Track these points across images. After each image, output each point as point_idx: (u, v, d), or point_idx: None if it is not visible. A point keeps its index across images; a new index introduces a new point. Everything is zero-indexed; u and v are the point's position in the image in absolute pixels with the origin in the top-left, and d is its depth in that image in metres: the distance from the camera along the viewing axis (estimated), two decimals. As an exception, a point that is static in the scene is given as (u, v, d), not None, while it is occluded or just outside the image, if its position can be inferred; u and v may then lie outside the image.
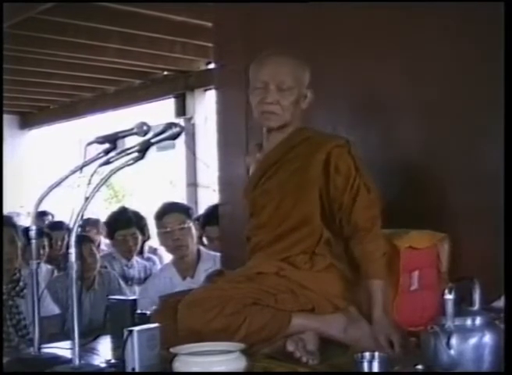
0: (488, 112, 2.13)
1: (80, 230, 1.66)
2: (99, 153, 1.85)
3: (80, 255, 1.66)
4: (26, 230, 2.17)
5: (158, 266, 3.69)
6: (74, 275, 1.64)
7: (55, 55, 5.30)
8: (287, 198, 1.95)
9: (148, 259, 3.90)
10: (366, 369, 1.41)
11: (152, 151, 1.76)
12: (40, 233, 2.68)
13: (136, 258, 3.74)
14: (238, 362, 1.51)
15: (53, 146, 8.39)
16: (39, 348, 1.90)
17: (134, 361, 1.63)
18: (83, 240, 2.93)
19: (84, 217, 1.70)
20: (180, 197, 6.40)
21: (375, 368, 1.41)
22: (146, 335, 1.66)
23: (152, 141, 1.73)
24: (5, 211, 3.97)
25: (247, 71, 2.87)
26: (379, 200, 1.94)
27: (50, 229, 4.20)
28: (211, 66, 5.19)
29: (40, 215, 5.02)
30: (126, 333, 1.65)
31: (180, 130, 1.74)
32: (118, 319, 2.17)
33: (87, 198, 1.66)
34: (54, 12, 4.15)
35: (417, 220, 2.15)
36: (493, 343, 1.41)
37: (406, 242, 2.05)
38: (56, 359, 1.81)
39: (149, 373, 1.65)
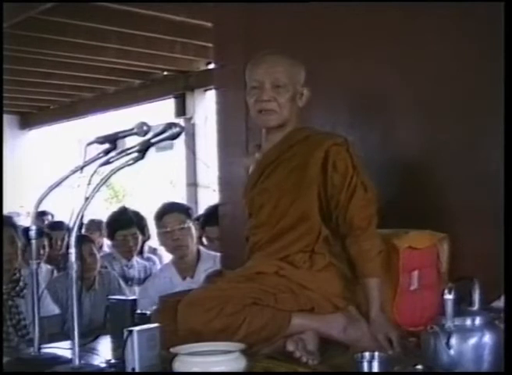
0: (488, 112, 2.13)
1: (82, 230, 1.66)
2: (99, 153, 1.85)
3: (79, 256, 1.66)
4: (26, 230, 2.17)
5: (158, 266, 3.69)
6: (74, 275, 1.64)
7: (55, 55, 5.30)
8: (285, 196, 1.96)
9: (148, 259, 3.90)
10: (366, 369, 1.41)
11: (152, 151, 1.76)
12: (40, 233, 2.67)
13: (136, 259, 3.74)
14: (238, 363, 1.51)
15: (53, 146, 8.38)
16: (39, 348, 1.90)
17: (134, 361, 1.63)
18: (83, 240, 2.93)
19: (85, 218, 1.71)
20: (180, 197, 6.40)
21: (375, 368, 1.41)
22: (146, 335, 1.66)
23: (152, 141, 1.73)
24: (5, 211, 3.97)
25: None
26: (376, 199, 1.94)
27: (50, 229, 4.19)
28: (211, 66, 5.19)
29: (40, 215, 5.02)
30: (126, 333, 1.65)
31: (180, 130, 1.74)
32: (118, 319, 2.17)
33: (87, 198, 1.66)
34: (54, 12, 4.15)
35: (417, 220, 2.15)
36: (493, 343, 1.41)
37: (405, 242, 2.05)
38: (56, 359, 1.81)
39: (149, 373, 1.65)
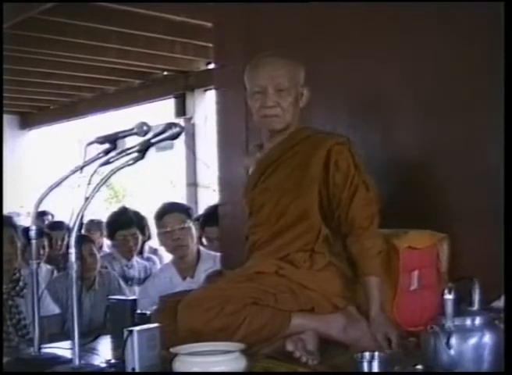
0: (488, 112, 2.13)
1: (82, 231, 1.66)
2: (99, 153, 1.85)
3: (80, 255, 1.66)
4: (26, 230, 2.17)
5: (158, 266, 3.69)
6: (74, 275, 1.64)
7: (55, 55, 5.30)
8: (286, 195, 1.96)
9: (148, 259, 3.90)
10: (366, 369, 1.41)
11: (152, 151, 1.76)
12: (40, 233, 2.67)
13: (136, 259, 3.74)
14: (238, 363, 1.51)
15: (53, 146, 8.38)
16: (39, 348, 1.90)
17: (134, 361, 1.63)
18: (83, 240, 2.93)
19: (85, 218, 1.71)
20: (180, 197, 6.40)
21: (375, 368, 1.41)
22: (146, 335, 1.66)
23: (152, 141, 1.73)
24: (5, 211, 3.96)
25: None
26: (378, 198, 1.95)
27: (50, 229, 4.20)
28: (211, 66, 5.19)
29: (40, 215, 5.02)
30: (126, 333, 1.65)
31: (180, 130, 1.74)
32: (118, 319, 2.17)
33: (87, 198, 1.66)
34: (54, 12, 4.15)
35: (417, 220, 2.15)
36: (493, 343, 1.41)
37: (405, 242, 2.05)
38: (56, 359, 1.82)
39: (149, 373, 1.65)
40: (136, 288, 3.49)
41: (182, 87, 6.09)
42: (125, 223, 3.71)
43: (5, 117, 7.01)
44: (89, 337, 2.06)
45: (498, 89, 1.81)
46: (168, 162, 8.24)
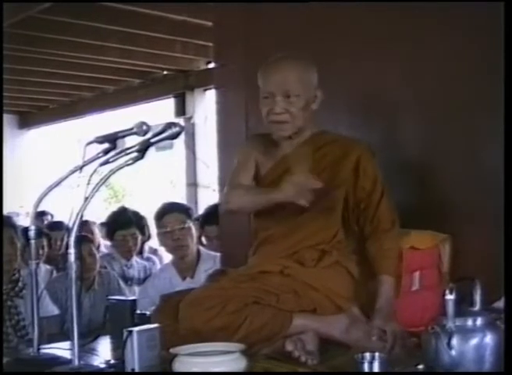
0: (488, 112, 2.13)
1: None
2: (99, 153, 1.85)
3: (79, 256, 1.66)
4: (26, 230, 2.16)
5: (158, 267, 3.69)
6: (73, 275, 1.63)
7: (54, 55, 5.29)
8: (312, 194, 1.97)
9: (148, 259, 3.90)
10: (366, 369, 1.40)
11: (152, 151, 1.76)
12: (40, 233, 2.66)
13: (135, 259, 3.74)
14: (238, 363, 1.51)
15: (52, 146, 8.38)
16: (38, 349, 1.90)
17: (134, 361, 1.63)
18: (83, 240, 2.92)
19: (84, 218, 1.70)
20: (180, 197, 6.40)
21: (376, 368, 1.40)
22: (146, 335, 1.66)
23: (152, 140, 1.72)
24: (5, 211, 3.96)
25: (247, 71, 2.87)
26: (394, 207, 2.03)
27: (49, 229, 4.19)
28: (211, 65, 5.18)
29: (40, 215, 5.02)
30: (125, 333, 1.65)
31: (180, 130, 1.74)
32: (117, 320, 2.17)
33: (86, 198, 1.65)
34: (53, 11, 4.14)
35: (419, 221, 2.15)
36: (494, 343, 1.41)
37: (407, 243, 2.05)
38: (55, 360, 1.81)
39: (149, 373, 1.65)
40: (136, 288, 3.48)
41: (182, 87, 6.08)
42: (124, 223, 3.71)
43: (5, 117, 7.00)
44: (88, 338, 2.06)
45: (498, 89, 1.81)
46: (168, 162, 8.24)
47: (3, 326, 2.49)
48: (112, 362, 1.76)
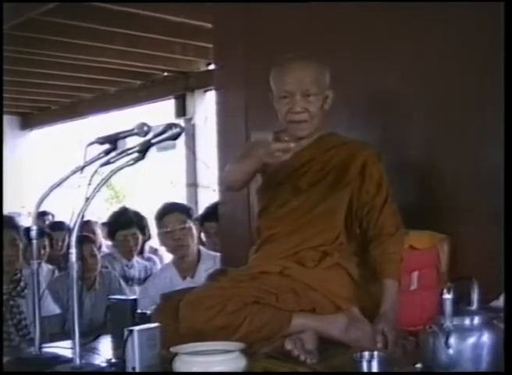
0: (488, 112, 2.14)
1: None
2: (100, 153, 1.86)
3: (80, 256, 1.67)
4: (27, 230, 2.17)
5: (159, 266, 3.70)
6: (75, 275, 1.64)
7: (55, 56, 5.30)
8: (316, 194, 2.00)
9: (149, 259, 3.91)
10: (365, 368, 1.41)
11: (152, 152, 1.77)
12: (41, 233, 2.67)
13: (136, 259, 3.75)
14: (238, 362, 1.51)
15: (54, 146, 8.39)
16: (40, 348, 1.90)
17: (135, 360, 1.64)
18: (84, 240, 2.93)
19: (84, 218, 1.71)
20: (180, 197, 6.41)
21: (374, 368, 1.41)
22: (146, 335, 1.67)
23: (152, 141, 1.73)
24: (6, 211, 3.96)
25: (247, 72, 2.88)
26: (398, 211, 2.02)
27: (51, 229, 4.20)
28: (211, 66, 5.19)
29: (41, 215, 5.02)
30: (126, 332, 1.66)
31: (180, 131, 1.75)
32: (118, 319, 2.18)
33: (87, 199, 1.66)
34: (54, 13, 4.15)
35: (417, 221, 2.16)
36: (491, 342, 1.41)
37: (406, 242, 2.05)
38: (57, 359, 1.82)
39: (149, 373, 1.66)
40: (137, 288, 3.49)
41: (182, 88, 6.09)
42: (125, 223, 3.72)
43: (7, 118, 7.01)
44: (89, 337, 2.06)
45: (498, 89, 1.81)
46: (168, 163, 8.25)
47: (5, 325, 2.50)
48: (113, 361, 1.77)
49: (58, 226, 4.26)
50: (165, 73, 6.12)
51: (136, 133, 1.79)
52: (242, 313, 1.80)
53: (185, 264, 3.04)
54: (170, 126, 1.74)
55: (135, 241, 3.71)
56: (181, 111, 6.14)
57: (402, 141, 2.41)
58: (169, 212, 3.08)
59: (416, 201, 2.30)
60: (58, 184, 1.89)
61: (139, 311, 2.20)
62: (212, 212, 3.24)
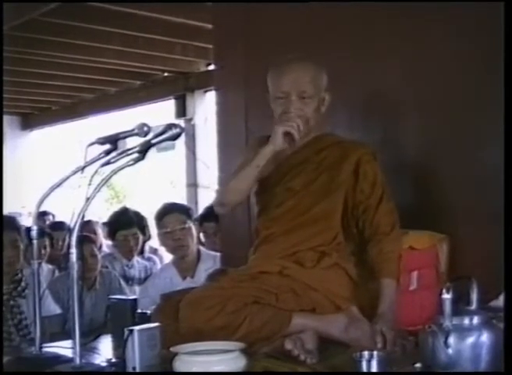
0: (488, 112, 2.14)
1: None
2: (100, 154, 1.86)
3: (81, 256, 1.67)
4: (28, 230, 2.17)
5: (159, 266, 3.70)
6: (75, 275, 1.65)
7: (56, 57, 5.31)
8: (311, 195, 2.00)
9: (149, 259, 3.91)
10: (364, 368, 1.41)
11: (153, 152, 1.77)
12: (42, 233, 2.67)
13: (136, 259, 3.75)
14: (238, 362, 1.52)
15: (54, 147, 8.40)
16: (40, 348, 1.90)
17: (135, 360, 1.64)
18: (85, 240, 2.94)
19: (85, 218, 1.71)
20: (180, 197, 6.41)
21: (374, 367, 1.41)
22: (146, 335, 1.67)
23: (153, 141, 1.74)
24: (6, 211, 3.96)
25: (247, 72, 2.89)
26: (395, 210, 2.02)
27: (51, 229, 4.20)
28: (211, 67, 5.19)
29: (42, 215, 5.03)
30: (126, 332, 1.66)
31: (180, 131, 1.75)
32: (118, 319, 2.18)
33: (87, 199, 1.67)
34: (55, 14, 4.16)
35: (417, 221, 2.16)
36: (491, 342, 1.41)
37: (405, 243, 2.06)
38: (57, 359, 1.82)
39: (149, 372, 1.66)
40: (137, 288, 3.49)
41: (182, 88, 6.10)
42: (125, 223, 3.72)
43: (7, 118, 7.02)
44: (90, 337, 2.07)
45: (498, 89, 1.81)
46: (168, 163, 8.25)
47: (5, 325, 2.50)
48: (113, 360, 1.77)
49: (59, 226, 4.26)
50: (165, 74, 6.12)
51: (137, 134, 1.79)
52: (242, 313, 1.80)
53: (185, 264, 3.04)
54: (170, 126, 1.74)
55: (135, 240, 3.71)
56: (181, 111, 6.15)
57: (402, 141, 2.41)
58: (169, 212, 3.08)
59: (415, 201, 2.30)
60: (59, 184, 1.89)
61: (139, 311, 2.21)
62: (211, 212, 3.24)
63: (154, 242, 3.88)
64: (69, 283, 1.67)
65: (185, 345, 1.57)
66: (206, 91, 6.02)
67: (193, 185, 6.24)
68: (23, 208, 6.08)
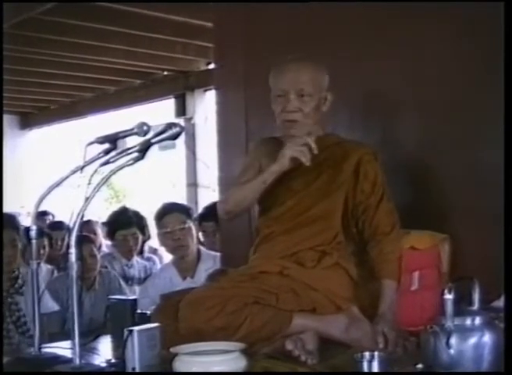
0: (488, 112, 2.14)
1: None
2: (99, 153, 1.86)
3: (80, 256, 1.67)
4: (27, 229, 2.17)
5: (159, 266, 3.70)
6: (74, 275, 1.64)
7: (55, 56, 5.30)
8: (311, 195, 2.00)
9: (148, 259, 3.91)
10: (366, 368, 1.41)
11: (152, 152, 1.76)
12: (41, 233, 2.67)
13: (136, 258, 3.75)
14: (238, 362, 1.51)
15: (53, 146, 8.40)
16: (39, 348, 1.90)
17: (134, 361, 1.64)
18: (84, 240, 2.93)
19: (84, 218, 1.71)
20: (180, 197, 6.41)
21: (375, 368, 1.41)
22: (146, 335, 1.67)
23: (152, 140, 1.73)
24: (5, 211, 3.96)
25: (247, 71, 2.88)
26: (395, 210, 2.02)
27: (50, 229, 4.20)
28: (212, 66, 5.19)
29: (41, 215, 5.02)
30: (126, 332, 1.65)
31: (180, 130, 1.75)
32: (118, 319, 2.18)
33: (87, 198, 1.66)
34: (54, 12, 4.15)
35: (418, 221, 2.16)
36: (492, 342, 1.41)
37: (407, 243, 2.06)
38: (57, 359, 1.82)
39: (149, 373, 1.65)
40: (137, 288, 3.49)
41: (182, 87, 6.09)
42: (125, 222, 3.71)
43: (6, 117, 7.01)
44: (89, 337, 2.06)
45: (498, 89, 1.81)
46: (168, 163, 8.25)
47: (4, 322, 2.50)
48: (113, 361, 1.77)
49: (58, 226, 4.26)
50: (165, 73, 6.12)
51: (136, 133, 1.79)
52: (242, 313, 1.80)
53: (185, 264, 3.04)
54: (170, 125, 1.74)
55: (135, 240, 3.71)
56: (181, 110, 6.15)
57: (402, 142, 2.41)
58: (169, 212, 3.08)
59: (416, 202, 2.29)
60: (58, 184, 1.88)
61: (139, 311, 2.20)
62: (210, 211, 3.25)
63: (154, 242, 3.87)
64: (69, 284, 1.66)
65: (185, 346, 1.56)
66: (206, 90, 6.02)
67: (193, 185, 6.23)
68: (22, 208, 6.07)
